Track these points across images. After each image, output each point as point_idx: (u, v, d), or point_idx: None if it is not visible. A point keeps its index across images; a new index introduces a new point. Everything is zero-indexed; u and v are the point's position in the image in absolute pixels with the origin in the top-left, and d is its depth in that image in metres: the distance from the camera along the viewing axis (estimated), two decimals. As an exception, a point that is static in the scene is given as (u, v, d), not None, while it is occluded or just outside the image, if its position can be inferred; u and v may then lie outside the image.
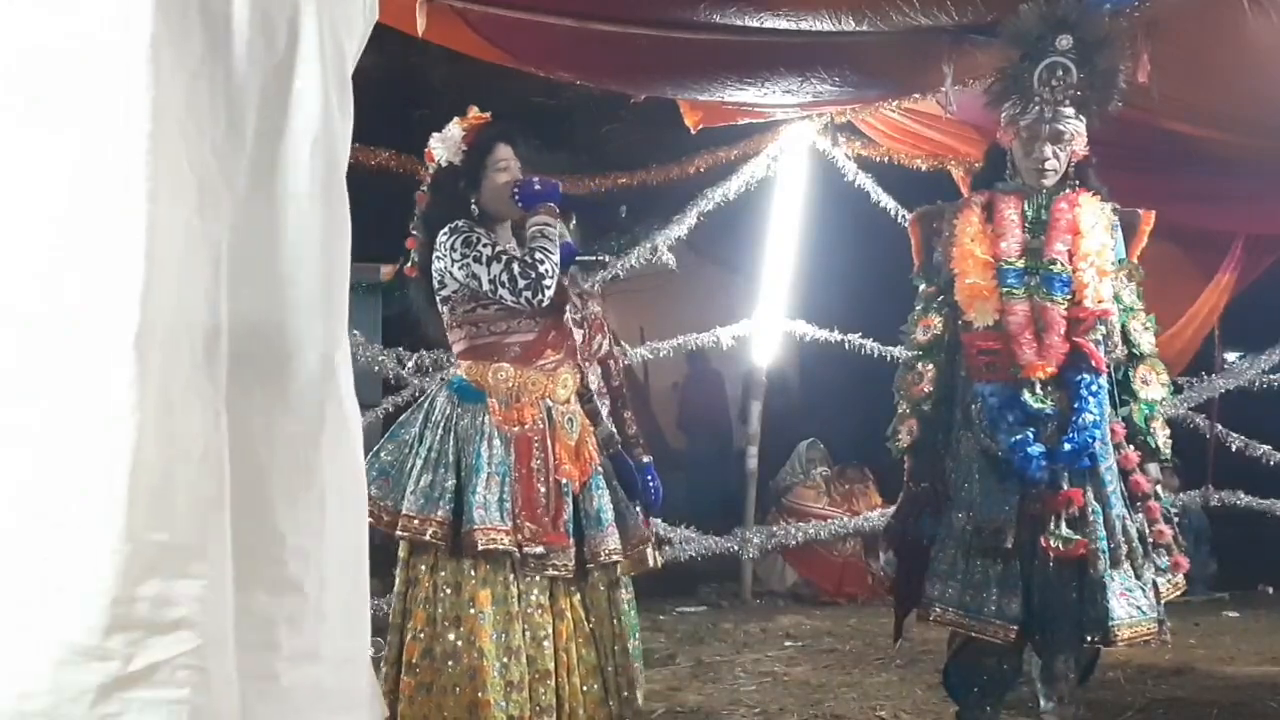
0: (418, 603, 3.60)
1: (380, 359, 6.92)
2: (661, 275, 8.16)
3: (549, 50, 5.79)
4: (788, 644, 6.64)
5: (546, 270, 3.58)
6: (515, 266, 3.57)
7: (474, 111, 3.84)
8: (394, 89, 11.88)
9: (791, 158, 7.75)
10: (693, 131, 7.00)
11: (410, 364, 6.97)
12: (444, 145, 3.79)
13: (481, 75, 7.43)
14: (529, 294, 3.56)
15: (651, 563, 3.93)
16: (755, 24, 5.16)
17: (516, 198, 3.72)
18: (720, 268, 11.03)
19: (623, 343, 8.81)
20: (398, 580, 3.67)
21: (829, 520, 8.30)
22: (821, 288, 8.62)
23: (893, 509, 4.24)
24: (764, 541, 8.11)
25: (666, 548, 7.49)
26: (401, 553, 3.67)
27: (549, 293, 3.60)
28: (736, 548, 8.01)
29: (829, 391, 10.53)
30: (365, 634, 1.94)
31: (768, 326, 8.08)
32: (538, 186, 3.72)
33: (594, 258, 4.28)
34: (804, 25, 5.15)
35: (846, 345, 7.97)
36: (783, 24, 5.16)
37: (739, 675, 5.80)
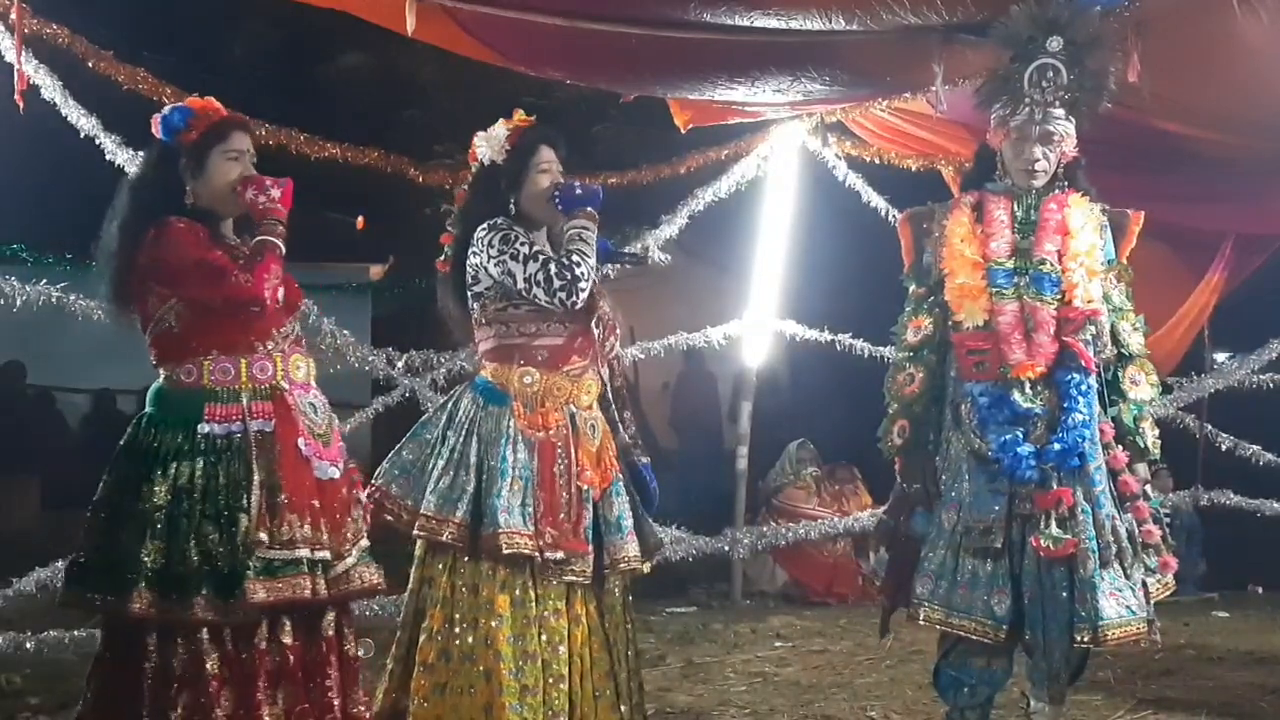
0: (434, 603, 3.59)
1: (370, 359, 6.89)
2: (652, 275, 8.14)
3: (539, 49, 5.78)
4: (778, 644, 6.63)
5: (582, 273, 3.56)
6: (552, 266, 3.55)
7: (520, 114, 3.83)
8: (382, 89, 11.89)
9: (782, 157, 7.74)
10: (683, 131, 7.01)
11: (400, 364, 6.94)
12: (488, 144, 3.77)
13: (471, 74, 7.43)
14: (563, 295, 3.55)
15: (645, 569, 3.92)
16: (745, 23, 5.15)
17: (557, 200, 3.70)
18: (711, 268, 11.03)
19: (613, 343, 8.78)
20: (412, 579, 3.67)
21: (819, 521, 8.30)
22: (812, 287, 8.62)
23: (884, 508, 4.23)
24: (754, 542, 8.10)
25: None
26: (418, 552, 3.66)
27: (583, 295, 3.59)
28: (727, 548, 8.01)
29: (819, 391, 10.54)
30: None
31: (758, 326, 8.08)
32: (579, 191, 3.71)
33: (631, 253, 4.24)
34: (794, 24, 5.15)
35: (837, 345, 7.97)
36: (773, 23, 5.16)
37: (729, 676, 5.79)
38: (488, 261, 3.62)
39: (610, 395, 3.99)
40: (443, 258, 3.84)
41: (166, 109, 3.52)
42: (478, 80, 7.41)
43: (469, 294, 3.71)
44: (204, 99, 3.60)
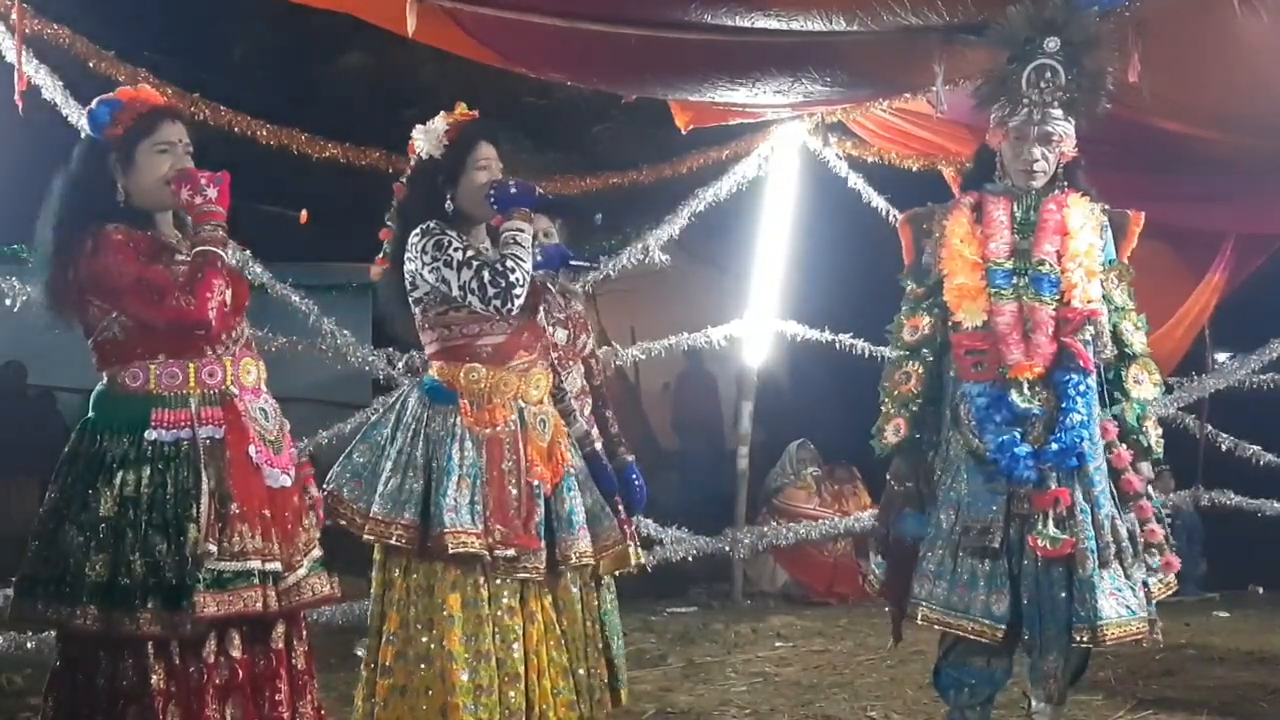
0: (392, 605, 3.58)
1: (370, 359, 6.89)
2: (653, 275, 8.14)
3: (539, 50, 5.79)
4: (779, 644, 6.64)
5: (517, 279, 3.51)
6: (485, 274, 3.49)
7: (461, 108, 3.77)
8: (384, 89, 11.88)
9: (782, 158, 7.75)
10: (683, 131, 7.01)
11: (400, 364, 6.93)
12: (426, 138, 3.71)
13: (471, 75, 7.42)
14: (498, 303, 3.50)
15: (633, 561, 3.91)
16: (746, 24, 5.16)
17: (491, 199, 3.63)
18: (711, 268, 11.04)
19: (614, 343, 8.80)
20: (374, 583, 3.64)
21: (819, 520, 8.31)
22: (813, 288, 8.63)
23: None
24: (755, 542, 8.11)
25: (658, 548, 7.48)
26: (376, 555, 3.63)
27: (519, 301, 3.54)
28: (728, 548, 8.01)
29: (819, 391, 10.55)
30: None
31: (759, 327, 8.08)
32: (513, 190, 3.62)
33: (588, 264, 4.21)
34: (795, 25, 5.15)
35: (837, 345, 7.98)
36: (773, 24, 5.16)
37: (730, 676, 5.79)
38: (423, 268, 3.56)
39: (578, 391, 3.96)
40: (381, 254, 3.78)
41: (94, 103, 3.40)
42: (478, 80, 7.39)
43: (410, 298, 3.67)
44: (136, 88, 3.51)
